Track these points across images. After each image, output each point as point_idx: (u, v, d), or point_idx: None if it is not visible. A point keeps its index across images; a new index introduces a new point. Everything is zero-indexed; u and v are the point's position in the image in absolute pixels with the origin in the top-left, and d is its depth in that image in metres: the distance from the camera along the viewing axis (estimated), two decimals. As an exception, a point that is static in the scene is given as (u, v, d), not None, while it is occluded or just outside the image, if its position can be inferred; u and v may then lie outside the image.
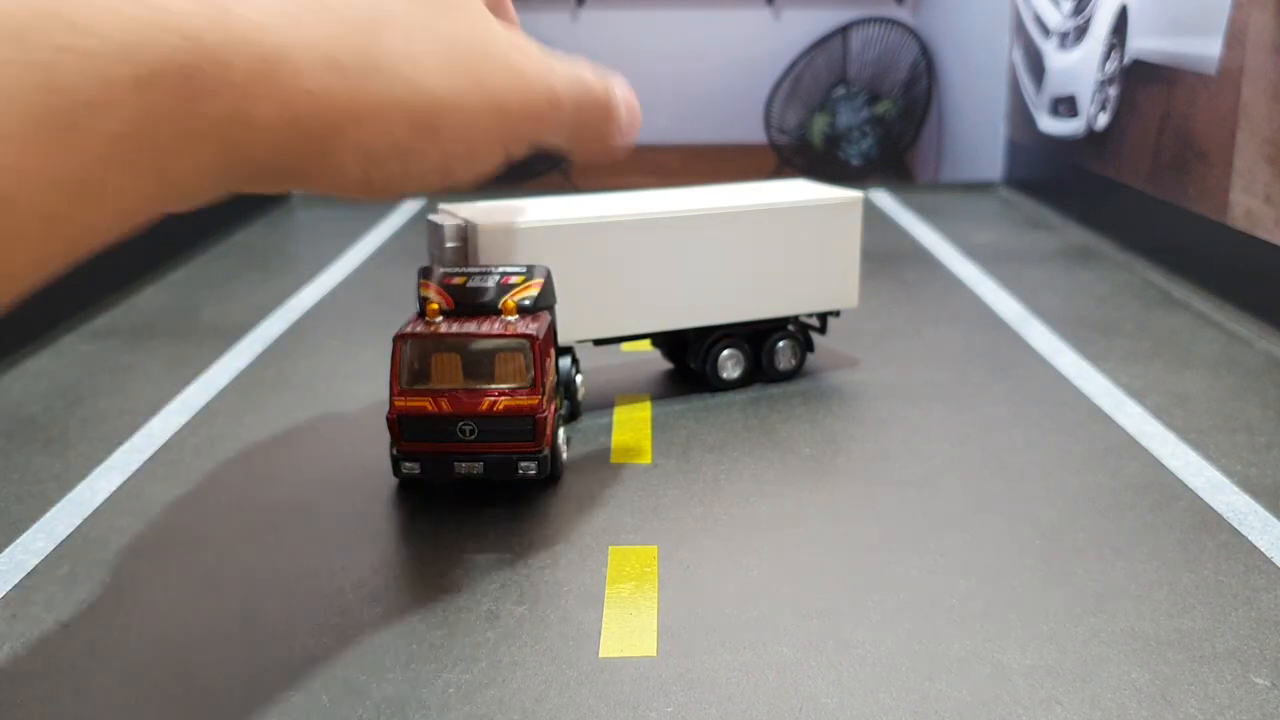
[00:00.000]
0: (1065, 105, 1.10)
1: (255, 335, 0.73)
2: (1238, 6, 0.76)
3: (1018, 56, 1.24)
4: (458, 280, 0.49)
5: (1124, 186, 0.96)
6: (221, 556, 0.44)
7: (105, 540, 0.45)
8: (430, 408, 0.46)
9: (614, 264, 0.56)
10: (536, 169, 1.26)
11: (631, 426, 0.56)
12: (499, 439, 0.46)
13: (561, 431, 0.50)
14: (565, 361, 0.55)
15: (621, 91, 0.41)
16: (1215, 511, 0.46)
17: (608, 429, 0.56)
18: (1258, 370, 0.64)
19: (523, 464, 0.46)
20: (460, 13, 0.33)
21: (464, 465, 0.47)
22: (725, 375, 0.60)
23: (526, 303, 0.48)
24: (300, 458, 0.53)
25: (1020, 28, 1.23)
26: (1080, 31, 1.06)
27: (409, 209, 1.16)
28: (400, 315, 0.51)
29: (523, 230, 0.54)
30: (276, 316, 0.78)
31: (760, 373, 0.62)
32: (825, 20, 1.27)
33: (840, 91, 1.30)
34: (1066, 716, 0.33)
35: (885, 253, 0.95)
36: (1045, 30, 1.15)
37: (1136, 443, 0.53)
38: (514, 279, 0.49)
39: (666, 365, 0.65)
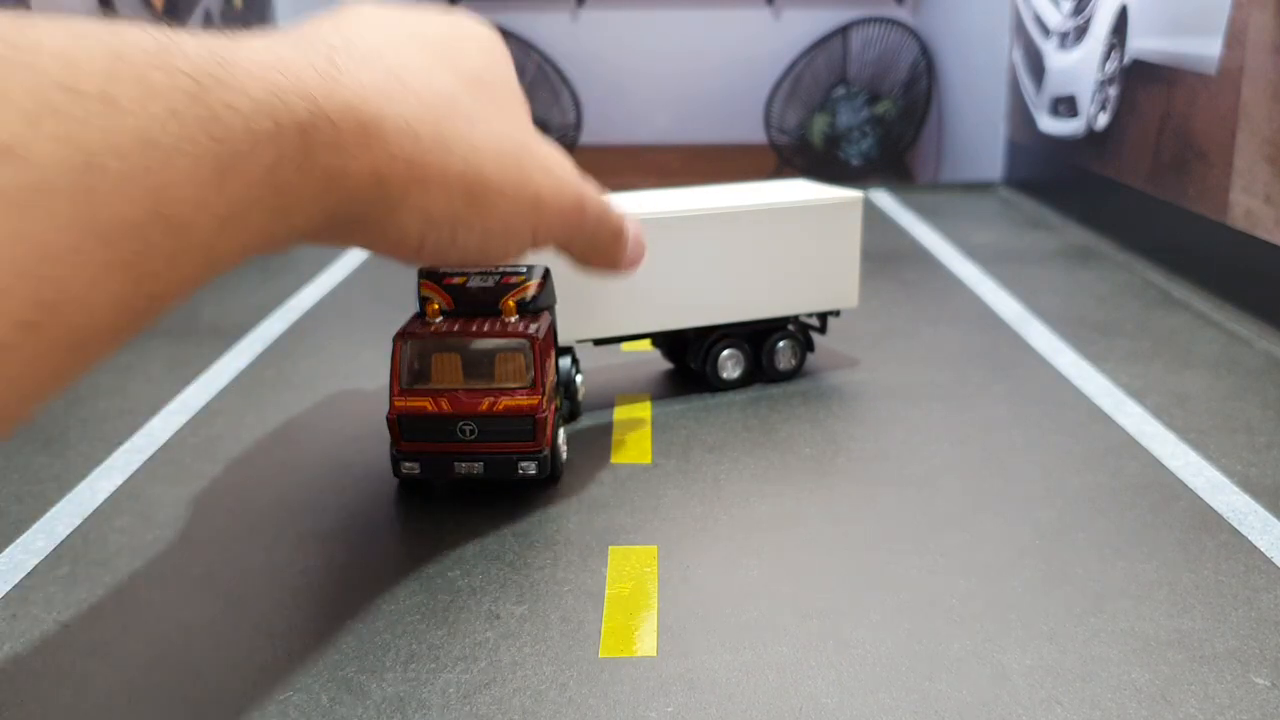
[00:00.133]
0: (1065, 105, 1.10)
1: (255, 335, 0.73)
2: (1238, 6, 0.76)
3: (1018, 56, 1.24)
4: (458, 280, 0.49)
5: (1124, 186, 0.96)
6: (221, 556, 0.44)
7: (105, 540, 0.45)
8: (430, 408, 0.46)
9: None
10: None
11: (631, 426, 0.56)
12: (499, 439, 0.46)
13: (561, 431, 0.50)
14: (565, 361, 0.55)
15: (633, 226, 0.46)
16: (1215, 511, 0.46)
17: (608, 429, 0.56)
18: (1258, 370, 0.64)
19: (523, 464, 0.46)
20: (514, 116, 0.40)
21: (464, 465, 0.47)
22: (725, 375, 0.61)
23: (527, 303, 0.48)
24: (300, 458, 0.53)
25: (1020, 28, 1.23)
26: (1080, 31, 1.06)
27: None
28: (400, 315, 0.51)
29: None
30: (276, 316, 0.78)
31: (760, 373, 0.62)
32: (825, 20, 1.27)
33: (840, 91, 1.30)
34: (1066, 716, 0.33)
35: (885, 253, 0.95)
36: (1045, 30, 1.15)
37: (1136, 443, 0.53)
38: (514, 279, 0.49)
39: (666, 365, 0.65)
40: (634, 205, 0.57)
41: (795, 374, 0.63)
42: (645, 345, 0.65)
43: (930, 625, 0.38)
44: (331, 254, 0.96)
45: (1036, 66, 1.18)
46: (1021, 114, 1.23)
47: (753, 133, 1.30)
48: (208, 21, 1.04)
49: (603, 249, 0.45)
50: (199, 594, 0.41)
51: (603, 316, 0.56)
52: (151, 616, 0.39)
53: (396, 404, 0.47)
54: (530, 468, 0.46)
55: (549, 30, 1.27)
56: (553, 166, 0.41)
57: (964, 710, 0.33)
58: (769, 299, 0.60)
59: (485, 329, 0.47)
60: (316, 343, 0.72)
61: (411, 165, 0.35)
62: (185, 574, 0.42)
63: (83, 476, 0.51)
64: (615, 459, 0.52)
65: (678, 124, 1.30)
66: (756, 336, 0.61)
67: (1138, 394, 0.60)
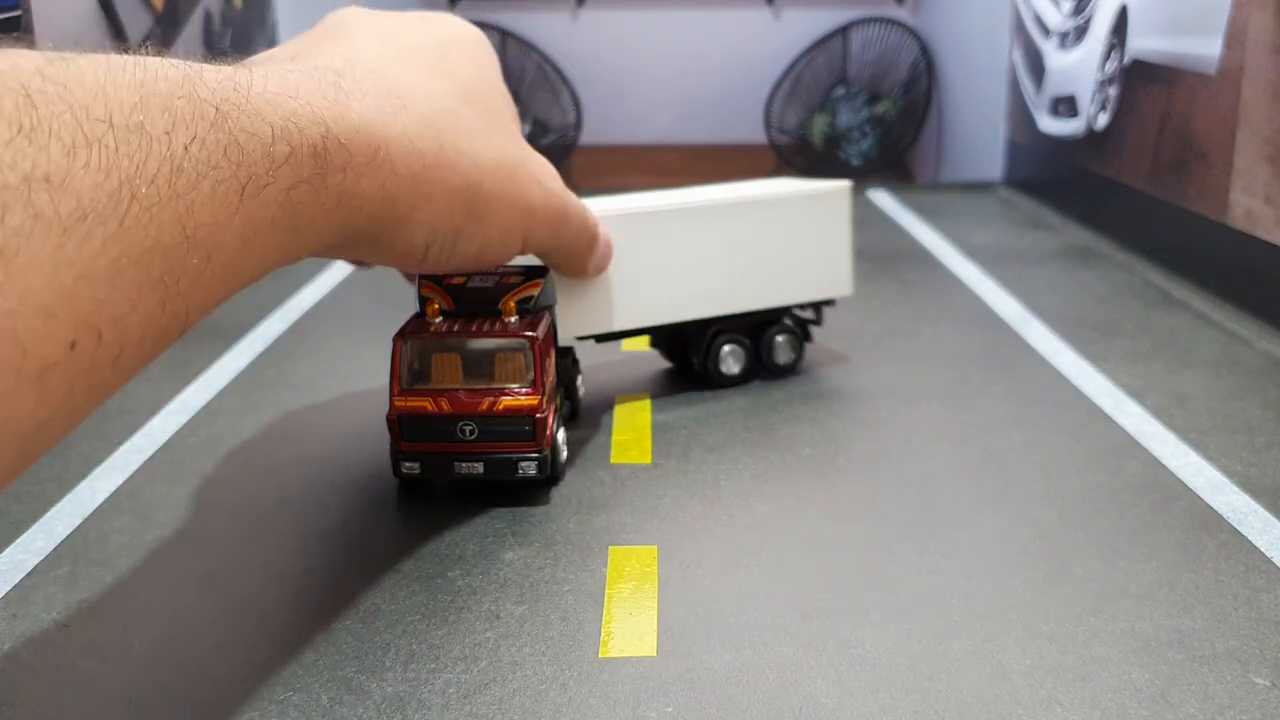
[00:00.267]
0: (1065, 105, 1.10)
1: (255, 335, 0.73)
2: (1238, 6, 0.76)
3: (1018, 56, 1.24)
4: (458, 280, 0.49)
5: (1124, 186, 0.96)
6: (221, 556, 0.44)
7: (105, 540, 0.45)
8: (430, 408, 0.46)
9: (622, 258, 0.56)
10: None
11: (631, 426, 0.56)
12: (499, 439, 0.46)
13: (561, 431, 0.50)
14: (566, 361, 0.55)
15: (604, 232, 0.52)
16: (1215, 511, 0.46)
17: (608, 429, 0.56)
18: (1258, 370, 0.64)
19: (523, 464, 0.46)
20: (507, 128, 0.42)
21: (464, 465, 0.47)
22: (726, 371, 0.61)
23: (527, 303, 0.48)
24: (300, 458, 0.53)
25: (1020, 28, 1.23)
26: (1080, 31, 1.06)
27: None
28: (400, 315, 0.51)
29: None
30: (276, 316, 0.78)
31: (760, 368, 0.62)
32: (825, 20, 1.27)
33: (840, 91, 1.30)
34: (1066, 716, 0.33)
35: (885, 253, 0.95)
36: (1045, 30, 1.15)
37: (1136, 443, 0.53)
38: (514, 279, 0.49)
39: (666, 365, 0.65)
40: (629, 204, 0.57)
41: (794, 368, 0.63)
42: (645, 344, 0.65)
43: (930, 625, 0.38)
44: (331, 254, 0.96)
45: (1036, 66, 1.18)
46: (1021, 114, 1.23)
47: (753, 133, 1.30)
48: (208, 22, 1.04)
49: (578, 255, 0.50)
50: (199, 594, 0.41)
51: (602, 313, 0.56)
52: (151, 616, 0.39)
53: (397, 404, 0.47)
54: (530, 468, 0.46)
55: (549, 30, 1.27)
56: (543, 178, 0.43)
57: (964, 710, 0.33)
58: (766, 290, 0.61)
59: (485, 329, 0.47)
60: (316, 343, 0.72)
61: (417, 183, 0.37)
62: (185, 574, 0.42)
63: (83, 476, 0.51)
64: (615, 459, 0.52)
65: (678, 124, 1.30)
66: (755, 331, 0.61)
67: (1138, 394, 0.60)
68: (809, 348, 0.67)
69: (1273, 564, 0.42)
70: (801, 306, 0.63)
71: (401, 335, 0.47)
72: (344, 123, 0.33)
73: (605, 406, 0.59)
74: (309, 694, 0.35)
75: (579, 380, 0.57)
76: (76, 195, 0.24)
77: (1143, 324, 0.73)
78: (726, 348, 0.60)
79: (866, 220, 1.09)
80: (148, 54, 0.28)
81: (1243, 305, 0.75)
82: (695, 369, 0.61)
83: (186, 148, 0.27)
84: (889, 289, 0.83)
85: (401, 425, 0.47)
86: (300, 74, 0.33)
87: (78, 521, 0.47)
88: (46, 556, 0.44)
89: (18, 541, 0.45)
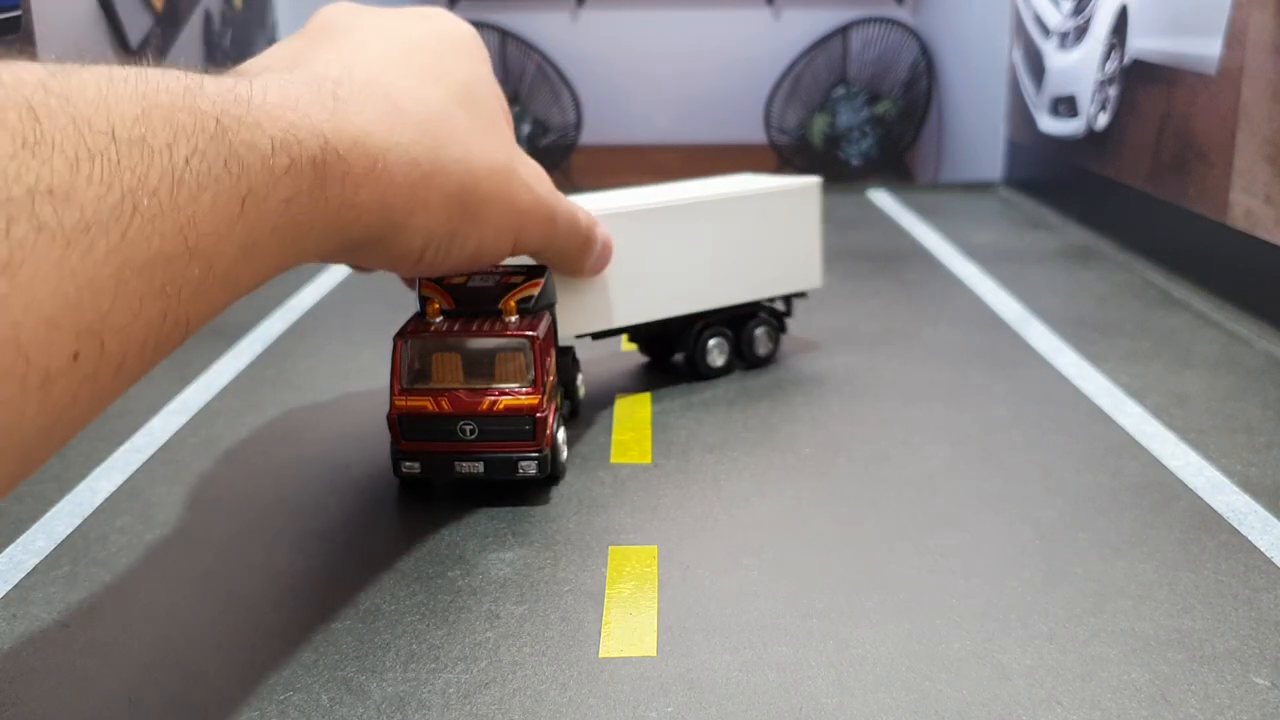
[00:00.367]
0: (1065, 105, 1.10)
1: (255, 335, 0.73)
2: (1238, 6, 0.76)
3: (1018, 56, 1.24)
4: (458, 280, 0.49)
5: (1124, 186, 0.96)
6: (221, 556, 0.44)
7: (105, 540, 0.45)
8: (431, 407, 0.46)
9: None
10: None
11: (631, 426, 0.56)
12: (499, 439, 0.46)
13: (562, 431, 0.50)
14: (566, 360, 0.55)
15: (602, 234, 0.52)
16: (1215, 511, 0.46)
17: (608, 429, 0.56)
18: (1258, 370, 0.64)
19: (523, 463, 0.46)
20: (500, 131, 0.43)
21: (464, 465, 0.47)
22: (711, 363, 0.62)
23: (527, 302, 0.48)
24: (300, 458, 0.53)
25: (1020, 28, 1.23)
26: (1080, 31, 1.06)
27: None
28: (400, 315, 0.51)
29: None
30: (276, 316, 0.78)
31: (740, 360, 0.64)
32: (825, 20, 1.27)
33: (840, 91, 1.30)
34: (1066, 716, 0.33)
35: (885, 253, 0.95)
36: (1045, 30, 1.15)
37: (1136, 443, 0.53)
38: (514, 279, 0.49)
39: (667, 364, 0.65)
40: (615, 202, 0.58)
41: (771, 359, 0.65)
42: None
43: (930, 625, 0.38)
44: (331, 254, 0.96)
45: (1036, 66, 1.18)
46: (1021, 114, 1.23)
47: (753, 133, 1.30)
48: (208, 22, 1.04)
49: (570, 257, 0.50)
50: (199, 594, 0.41)
51: (593, 311, 0.57)
52: (151, 616, 0.39)
53: (397, 403, 0.47)
54: (530, 467, 0.46)
55: (549, 30, 1.27)
56: (533, 183, 0.44)
57: (964, 710, 0.33)
58: (747, 284, 0.62)
59: (485, 329, 0.47)
60: (316, 343, 0.72)
61: (414, 190, 0.37)
62: (185, 574, 0.42)
63: (83, 476, 0.51)
64: (615, 459, 0.52)
65: (678, 124, 1.30)
66: (736, 324, 0.63)
67: (1138, 394, 0.60)
68: (808, 347, 0.67)
69: (1273, 564, 0.42)
70: (776, 299, 0.65)
71: (402, 335, 0.47)
72: (342, 134, 0.34)
73: (605, 405, 0.59)
74: (309, 694, 0.35)
75: (579, 379, 0.57)
76: (80, 207, 0.24)
77: (1143, 324, 0.73)
78: (712, 341, 0.62)
79: (866, 220, 1.09)
80: (148, 65, 0.28)
81: (1243, 305, 0.75)
82: (679, 363, 0.63)
83: (188, 160, 0.27)
84: (889, 289, 0.83)
85: (402, 425, 0.47)
86: (299, 85, 0.34)
87: (78, 521, 0.47)
88: (46, 556, 0.44)
89: (18, 541, 0.45)
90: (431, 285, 0.49)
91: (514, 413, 0.46)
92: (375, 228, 0.37)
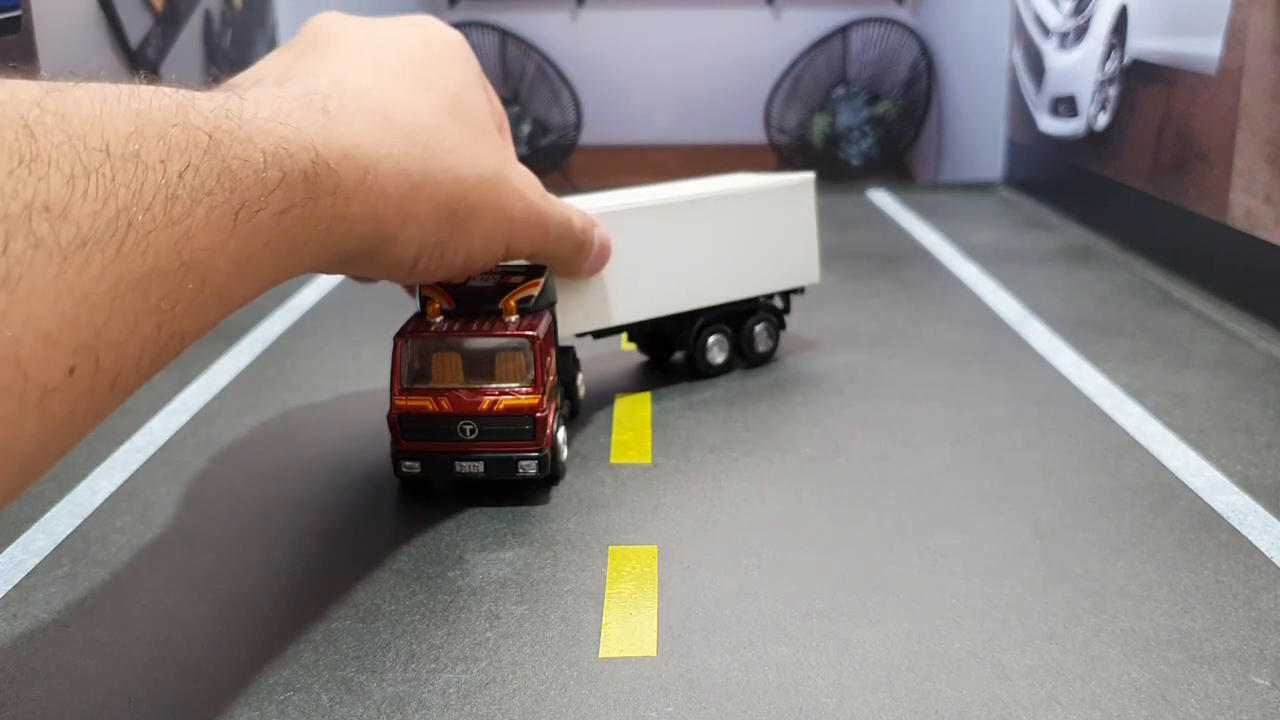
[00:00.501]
0: (1065, 105, 1.10)
1: (255, 335, 0.73)
2: (1238, 6, 0.76)
3: (1018, 56, 1.24)
4: (457, 280, 0.49)
5: (1124, 186, 0.96)
6: (221, 556, 0.44)
7: (105, 540, 0.45)
8: (431, 407, 0.46)
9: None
10: (538, 169, 1.26)
11: (631, 426, 0.56)
12: (499, 438, 0.46)
13: (562, 431, 0.50)
14: (566, 360, 0.55)
15: (600, 235, 0.53)
16: (1215, 511, 0.46)
17: (608, 429, 0.56)
18: (1258, 370, 0.64)
19: (523, 463, 0.46)
20: (491, 139, 0.43)
21: (464, 464, 0.47)
22: (712, 360, 0.62)
23: (527, 302, 0.48)
24: (300, 457, 0.53)
25: (1020, 28, 1.23)
26: (1080, 31, 1.06)
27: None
28: (400, 315, 0.51)
29: None
30: (276, 316, 0.78)
31: (740, 357, 0.64)
32: (825, 20, 1.27)
33: (840, 91, 1.30)
34: (1066, 716, 0.33)
35: (885, 253, 0.95)
36: (1045, 30, 1.15)
37: (1136, 443, 0.53)
38: (514, 279, 0.49)
39: (667, 364, 0.65)
40: (611, 201, 0.58)
41: (771, 356, 0.65)
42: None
43: (930, 625, 0.38)
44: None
45: (1036, 66, 1.18)
46: (1021, 114, 1.23)
47: (753, 133, 1.30)
48: (208, 22, 1.04)
49: (564, 260, 0.51)
50: (199, 594, 0.41)
51: (592, 310, 0.57)
52: (151, 616, 0.39)
53: (397, 403, 0.47)
54: (530, 467, 0.47)
55: (549, 30, 1.27)
56: (525, 190, 0.44)
57: (964, 710, 0.33)
58: (745, 281, 0.63)
59: (485, 328, 0.47)
60: (316, 343, 0.72)
61: (405, 202, 0.38)
62: (185, 574, 0.42)
63: (83, 476, 0.51)
64: (615, 459, 0.52)
65: (678, 124, 1.30)
66: (735, 321, 0.63)
67: (1138, 394, 0.60)
68: (808, 347, 0.67)
69: (1273, 564, 0.42)
70: (774, 295, 0.65)
71: (402, 335, 0.47)
72: (333, 147, 0.34)
73: (605, 405, 0.59)
74: (309, 694, 0.35)
75: (579, 379, 0.57)
76: (76, 224, 0.24)
77: (1143, 324, 0.73)
78: (712, 339, 0.62)
79: (866, 220, 1.09)
80: (141, 81, 0.29)
81: (1243, 305, 0.75)
82: (680, 361, 0.63)
83: (181, 175, 0.27)
84: (889, 289, 0.83)
85: (402, 424, 0.47)
86: (289, 99, 0.34)
87: (78, 521, 0.47)
88: (46, 556, 0.44)
89: (18, 541, 0.45)
90: (431, 285, 0.49)
91: (514, 412, 0.46)
92: (367, 239, 0.37)
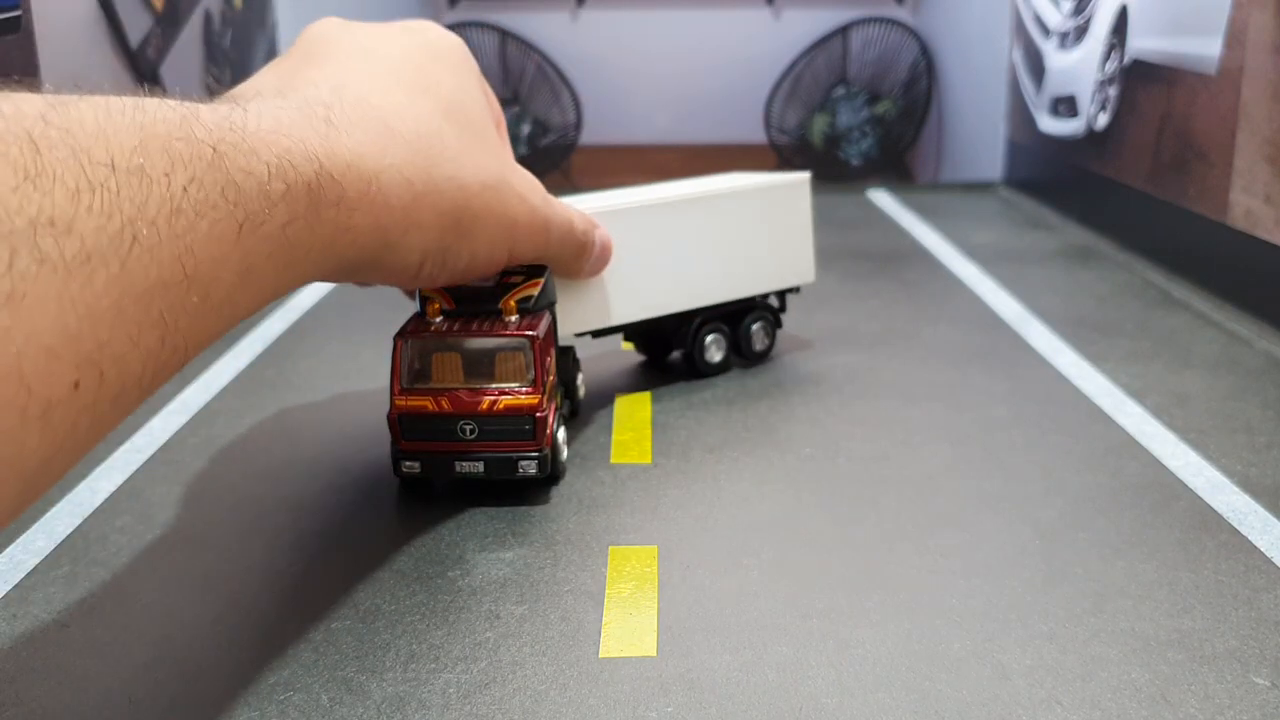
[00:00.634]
0: (1065, 105, 1.10)
1: (255, 335, 0.73)
2: (1238, 6, 0.76)
3: (1018, 56, 1.24)
4: (458, 280, 0.49)
5: (1124, 186, 0.96)
6: (221, 556, 0.44)
7: (105, 540, 0.45)
8: (431, 407, 0.46)
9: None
10: (538, 169, 1.26)
11: (631, 426, 0.56)
12: (499, 438, 0.46)
13: (562, 431, 0.50)
14: (566, 360, 0.55)
15: (600, 236, 0.53)
16: (1215, 511, 0.46)
17: (608, 429, 0.56)
18: (1258, 370, 0.64)
19: (523, 463, 0.46)
20: (492, 145, 0.43)
21: (464, 464, 0.47)
22: (710, 359, 0.63)
23: (527, 302, 0.48)
24: (300, 458, 0.53)
25: (1020, 28, 1.23)
26: (1080, 31, 1.06)
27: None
28: (400, 315, 0.51)
29: None
30: (276, 316, 0.78)
31: (738, 356, 0.64)
32: (825, 20, 1.27)
33: (840, 91, 1.30)
34: (1066, 716, 0.33)
35: (885, 253, 0.95)
36: (1045, 30, 1.15)
37: (1136, 443, 0.53)
38: (514, 279, 0.49)
39: (664, 363, 0.65)
40: (609, 201, 0.58)
41: (768, 354, 0.65)
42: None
43: (930, 625, 0.38)
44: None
45: (1036, 66, 1.18)
46: (1021, 114, 1.23)
47: (753, 133, 1.30)
48: (208, 22, 1.04)
49: (566, 262, 0.51)
50: (199, 594, 0.41)
51: (592, 310, 0.57)
52: (151, 616, 0.39)
53: (397, 403, 0.47)
54: (530, 467, 0.47)
55: (549, 30, 1.27)
56: (526, 194, 0.44)
57: (964, 710, 0.33)
58: (743, 280, 0.63)
59: (485, 328, 0.47)
60: (316, 343, 0.72)
61: (407, 212, 0.38)
62: (185, 574, 0.42)
63: (83, 476, 0.51)
64: (615, 459, 0.52)
65: (678, 124, 1.30)
66: (732, 320, 0.63)
67: (1138, 394, 0.60)
68: (808, 347, 0.67)
69: (1273, 564, 0.42)
70: (771, 295, 0.65)
71: (402, 335, 0.47)
72: (336, 158, 0.34)
73: (605, 405, 0.59)
74: (309, 694, 0.35)
75: (579, 379, 0.57)
76: (80, 238, 0.24)
77: (1143, 324, 0.73)
78: (710, 337, 0.62)
79: (866, 220, 1.09)
80: (145, 95, 0.29)
81: (1243, 305, 0.75)
82: (678, 360, 0.64)
83: (185, 188, 0.27)
84: (889, 289, 0.83)
85: (402, 424, 0.47)
86: (291, 110, 0.34)
87: (78, 521, 0.47)
88: (46, 556, 0.44)
89: (18, 541, 0.45)
90: (431, 285, 0.49)
91: (514, 412, 0.46)
92: (370, 249, 0.37)
